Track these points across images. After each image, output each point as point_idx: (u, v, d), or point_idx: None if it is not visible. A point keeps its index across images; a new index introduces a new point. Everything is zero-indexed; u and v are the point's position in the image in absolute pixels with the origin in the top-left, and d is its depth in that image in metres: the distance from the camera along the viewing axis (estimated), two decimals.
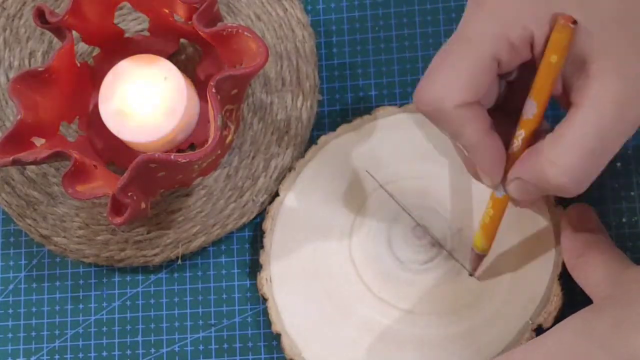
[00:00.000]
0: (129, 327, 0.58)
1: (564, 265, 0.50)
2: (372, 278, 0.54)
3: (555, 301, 0.50)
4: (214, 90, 0.50)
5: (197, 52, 0.60)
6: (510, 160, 0.45)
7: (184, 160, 0.49)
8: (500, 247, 0.52)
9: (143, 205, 0.52)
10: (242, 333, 0.56)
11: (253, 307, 0.57)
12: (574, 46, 0.42)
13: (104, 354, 0.57)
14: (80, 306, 0.58)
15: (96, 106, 0.57)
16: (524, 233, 0.52)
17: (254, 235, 0.58)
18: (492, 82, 0.44)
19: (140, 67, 0.56)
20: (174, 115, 0.55)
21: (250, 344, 0.56)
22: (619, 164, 0.54)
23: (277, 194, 0.57)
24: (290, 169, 0.57)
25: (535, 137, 0.44)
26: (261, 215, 0.58)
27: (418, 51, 0.59)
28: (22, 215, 0.59)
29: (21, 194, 0.59)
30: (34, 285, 0.59)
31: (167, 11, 0.56)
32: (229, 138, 0.56)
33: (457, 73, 0.43)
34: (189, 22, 0.54)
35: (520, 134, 0.44)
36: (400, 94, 0.58)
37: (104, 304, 0.58)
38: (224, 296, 0.57)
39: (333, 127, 0.57)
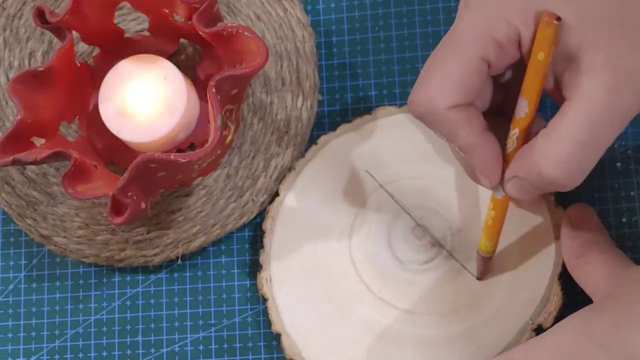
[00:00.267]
0: (129, 327, 0.58)
1: (564, 265, 0.50)
2: (372, 278, 0.54)
3: (555, 301, 0.50)
4: (214, 90, 0.50)
5: (197, 52, 0.60)
6: (507, 160, 0.45)
7: (184, 160, 0.49)
8: (500, 247, 0.52)
9: (143, 205, 0.52)
10: (242, 333, 0.56)
11: (253, 307, 0.57)
12: (563, 41, 0.42)
13: (104, 354, 0.57)
14: (80, 306, 0.58)
15: (96, 106, 0.57)
16: (524, 233, 0.52)
17: (254, 235, 0.58)
18: (483, 83, 0.45)
19: (140, 67, 0.56)
20: (174, 115, 0.55)
21: (250, 344, 0.56)
22: (619, 164, 0.54)
23: (277, 194, 0.57)
24: (290, 169, 0.57)
25: (531, 135, 0.44)
26: (261, 215, 0.58)
27: (418, 51, 0.59)
28: (22, 215, 0.59)
29: (21, 194, 0.59)
30: (34, 285, 0.59)
31: (167, 11, 0.56)
32: (229, 138, 0.56)
33: (447, 75, 0.43)
34: (189, 22, 0.54)
35: (515, 133, 0.45)
36: (400, 94, 0.58)
37: (104, 304, 0.58)
38: (224, 296, 0.57)
39: (333, 127, 0.57)
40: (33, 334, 0.58)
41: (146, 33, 0.60)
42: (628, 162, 0.54)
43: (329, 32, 0.60)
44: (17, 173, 0.60)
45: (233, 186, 0.58)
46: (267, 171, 0.58)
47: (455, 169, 0.54)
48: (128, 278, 0.59)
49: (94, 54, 0.60)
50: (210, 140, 0.50)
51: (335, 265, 0.55)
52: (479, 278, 0.52)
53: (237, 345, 0.56)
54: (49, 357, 0.58)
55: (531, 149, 0.43)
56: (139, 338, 0.57)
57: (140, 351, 0.57)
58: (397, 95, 0.58)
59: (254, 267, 0.57)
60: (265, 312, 0.56)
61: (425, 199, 0.54)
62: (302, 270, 0.55)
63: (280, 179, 0.57)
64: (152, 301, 0.58)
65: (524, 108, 0.44)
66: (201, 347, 0.57)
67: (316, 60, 0.59)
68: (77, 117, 0.58)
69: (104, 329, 0.58)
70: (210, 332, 0.57)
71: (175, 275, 0.58)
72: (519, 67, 0.45)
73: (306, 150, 0.57)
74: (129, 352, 0.57)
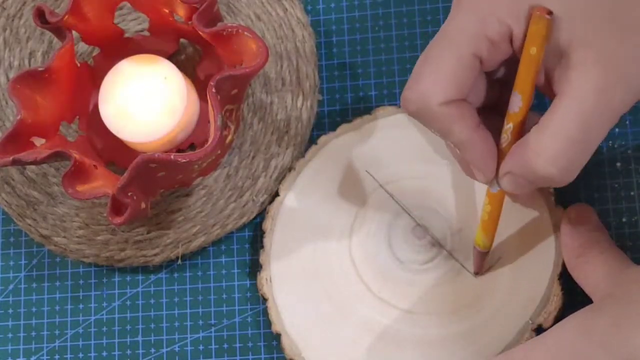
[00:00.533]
0: (129, 327, 0.58)
1: (564, 265, 0.50)
2: (372, 278, 0.54)
3: (555, 301, 0.50)
4: (214, 90, 0.50)
5: (197, 52, 0.60)
6: (502, 155, 0.45)
7: (184, 160, 0.49)
8: (500, 247, 0.52)
9: (143, 205, 0.52)
10: (242, 333, 0.56)
11: (253, 307, 0.57)
12: (554, 37, 0.42)
13: (104, 354, 0.57)
14: (80, 306, 0.58)
15: (96, 106, 0.57)
16: (524, 233, 0.52)
17: (254, 235, 0.58)
18: (476, 79, 0.45)
19: (140, 67, 0.56)
20: (174, 115, 0.55)
21: (250, 344, 0.56)
22: (619, 164, 0.54)
23: (277, 194, 0.57)
24: (290, 169, 0.57)
25: (525, 129, 0.44)
26: (261, 215, 0.58)
27: (418, 51, 0.59)
28: (22, 215, 0.59)
29: (21, 194, 0.59)
30: (34, 285, 0.59)
31: (167, 11, 0.56)
32: (229, 138, 0.56)
33: (439, 72, 0.44)
34: (189, 22, 0.54)
35: (509, 127, 0.45)
36: (400, 94, 0.58)
37: (104, 304, 0.58)
38: (224, 296, 0.57)
39: (333, 127, 0.57)
40: (33, 334, 0.58)
41: (146, 33, 0.60)
42: (628, 162, 0.54)
43: (329, 32, 0.60)
44: (17, 173, 0.60)
45: (233, 186, 0.58)
46: (267, 171, 0.58)
47: (455, 169, 0.54)
48: (128, 278, 0.59)
49: (94, 54, 0.60)
50: (210, 140, 0.50)
51: (335, 265, 0.55)
52: (476, 273, 0.52)
53: (237, 345, 0.56)
54: (49, 357, 0.58)
55: (524, 145, 0.43)
56: (139, 338, 0.57)
57: (140, 351, 0.57)
58: (397, 95, 0.58)
59: (254, 267, 0.57)
60: (265, 312, 0.56)
61: (425, 199, 0.54)
62: (302, 270, 0.55)
63: (280, 179, 0.57)
64: (152, 301, 0.58)
65: (518, 102, 0.44)
66: (201, 347, 0.57)
67: (316, 60, 0.59)
68: (77, 117, 0.58)
69: (104, 329, 0.58)
70: (210, 332, 0.57)
71: (175, 275, 0.58)
72: (512, 63, 0.45)
73: (306, 150, 0.57)
74: (129, 352, 0.57)
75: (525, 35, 0.43)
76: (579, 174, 0.50)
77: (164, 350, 0.57)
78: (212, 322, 0.57)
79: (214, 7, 0.53)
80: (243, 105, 0.58)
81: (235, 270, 0.58)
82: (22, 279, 0.59)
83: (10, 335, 0.59)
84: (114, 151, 0.58)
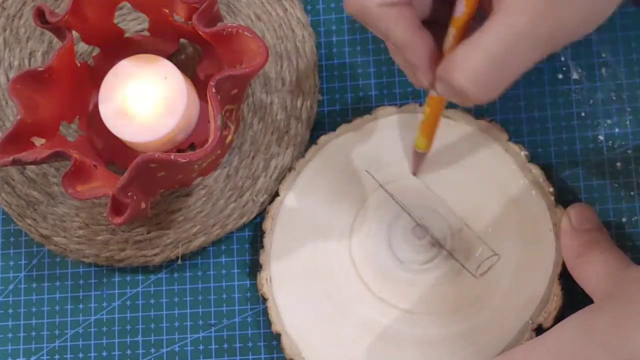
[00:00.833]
0: (129, 327, 0.58)
1: (564, 265, 0.50)
2: (372, 278, 0.54)
3: (555, 301, 0.50)
4: (214, 90, 0.50)
5: (197, 52, 0.60)
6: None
7: (184, 160, 0.49)
8: (500, 247, 0.52)
9: (143, 205, 0.52)
10: (242, 333, 0.56)
11: (253, 307, 0.57)
12: None
13: (104, 354, 0.57)
14: (80, 306, 0.58)
15: (96, 106, 0.57)
16: (524, 233, 0.52)
17: (254, 235, 0.58)
18: None
19: (140, 67, 0.56)
20: (174, 115, 0.55)
21: (250, 344, 0.56)
22: (619, 164, 0.54)
23: (277, 194, 0.57)
24: (290, 169, 0.57)
25: (467, 36, 0.44)
26: (261, 215, 0.58)
27: None
28: (22, 215, 0.59)
29: (21, 194, 0.59)
30: (34, 285, 0.59)
31: (167, 11, 0.56)
32: (229, 138, 0.56)
33: None
34: (189, 22, 0.54)
35: (452, 32, 0.45)
36: (400, 94, 0.58)
37: (104, 304, 0.58)
38: (224, 296, 0.57)
39: (333, 127, 0.57)
40: (33, 334, 0.58)
41: (146, 33, 0.60)
42: (628, 162, 0.54)
43: (329, 32, 0.60)
44: (17, 173, 0.60)
45: (233, 186, 0.58)
46: (267, 171, 0.58)
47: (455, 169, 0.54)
48: (128, 278, 0.59)
49: (94, 54, 0.60)
50: (210, 140, 0.50)
51: (335, 265, 0.55)
52: (414, 174, 0.54)
53: (237, 345, 0.56)
54: (49, 357, 0.58)
55: (452, 55, 0.43)
56: (139, 338, 0.57)
57: (140, 351, 0.57)
58: (397, 95, 0.58)
59: (254, 267, 0.57)
60: (265, 312, 0.56)
61: (425, 199, 0.54)
62: (302, 270, 0.55)
63: (280, 179, 0.57)
64: (152, 301, 0.58)
65: (462, 8, 0.44)
66: (201, 347, 0.57)
67: (316, 60, 0.59)
68: (77, 117, 0.58)
69: (104, 329, 0.58)
70: (210, 332, 0.57)
71: (175, 275, 0.58)
72: None
73: (306, 150, 0.57)
74: (129, 352, 0.57)
75: None
76: (578, 174, 0.50)
77: (164, 350, 0.57)
78: (212, 322, 0.57)
79: (214, 7, 0.53)
80: (243, 105, 0.58)
81: (235, 270, 0.58)
82: (22, 279, 0.59)
83: (10, 335, 0.59)
84: (114, 151, 0.58)
